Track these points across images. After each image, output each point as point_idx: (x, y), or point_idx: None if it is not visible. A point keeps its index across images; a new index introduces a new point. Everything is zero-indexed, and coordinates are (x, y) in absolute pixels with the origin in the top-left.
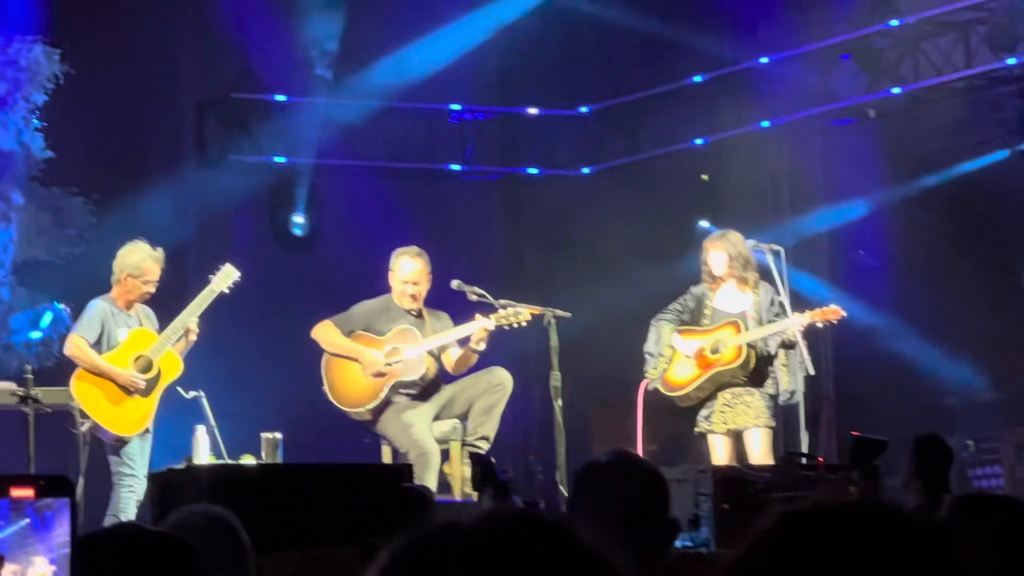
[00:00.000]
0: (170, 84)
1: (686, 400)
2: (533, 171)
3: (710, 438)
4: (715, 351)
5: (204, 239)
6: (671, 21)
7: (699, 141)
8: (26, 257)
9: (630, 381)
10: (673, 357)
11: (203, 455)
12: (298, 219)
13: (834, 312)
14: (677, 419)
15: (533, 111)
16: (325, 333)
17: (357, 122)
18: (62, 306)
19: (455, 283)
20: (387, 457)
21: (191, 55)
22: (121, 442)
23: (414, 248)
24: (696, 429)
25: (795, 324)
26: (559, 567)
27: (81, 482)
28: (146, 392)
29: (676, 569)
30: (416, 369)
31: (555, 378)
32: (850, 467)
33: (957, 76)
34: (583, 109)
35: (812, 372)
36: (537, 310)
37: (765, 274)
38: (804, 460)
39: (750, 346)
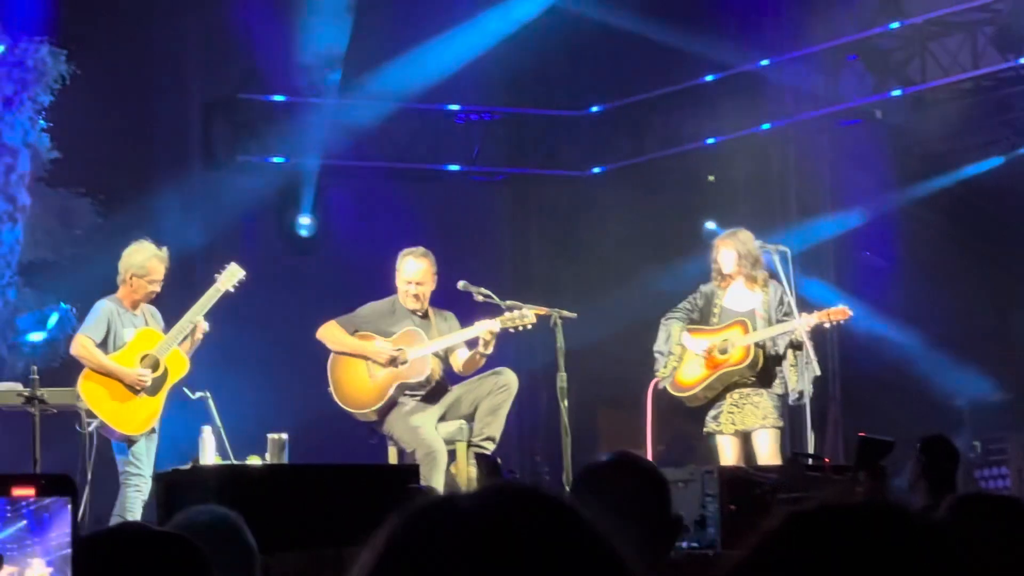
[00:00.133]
0: (177, 85)
1: (695, 400)
2: (539, 172)
3: (718, 439)
4: (723, 351)
5: (211, 240)
6: (677, 22)
7: (709, 141)
8: (32, 257)
9: (636, 382)
10: (683, 356)
11: (209, 456)
12: (305, 220)
13: (841, 312)
14: (685, 419)
15: (539, 112)
16: (330, 333)
17: (364, 123)
18: (68, 306)
19: (461, 284)
20: (393, 458)
21: (198, 56)
22: (129, 441)
23: (419, 249)
24: (704, 430)
25: (803, 324)
26: (557, 539)
27: (87, 482)
28: (153, 391)
29: (682, 570)
30: (422, 370)
31: (561, 379)
32: (856, 468)
33: (964, 77)
34: (594, 108)
35: (818, 373)
36: (543, 311)
37: (772, 275)
38: (810, 461)
39: (758, 346)
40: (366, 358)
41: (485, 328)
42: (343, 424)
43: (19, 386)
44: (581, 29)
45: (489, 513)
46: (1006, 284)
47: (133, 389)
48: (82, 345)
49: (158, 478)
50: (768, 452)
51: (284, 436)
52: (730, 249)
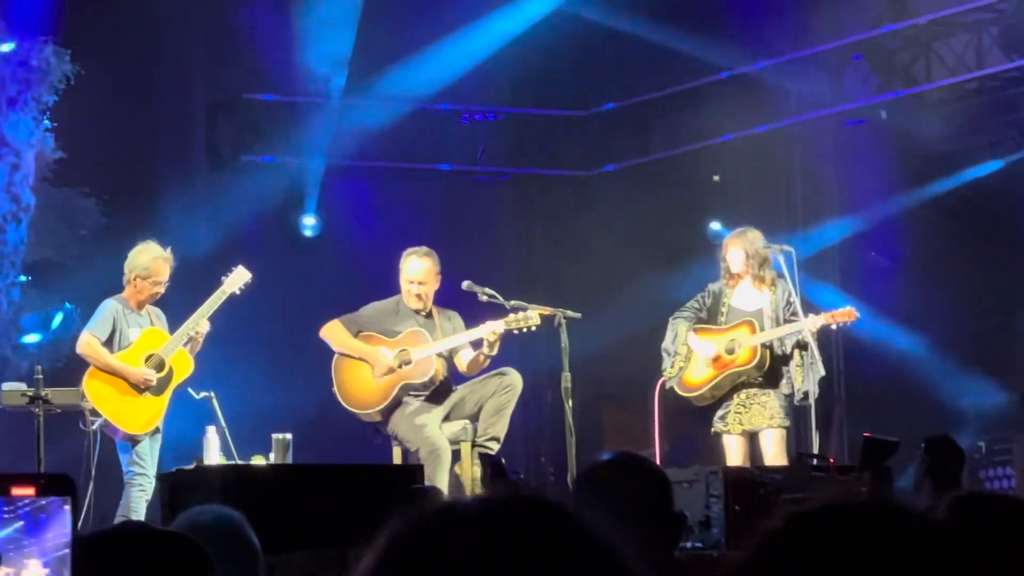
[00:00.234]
0: (181, 84)
1: (702, 400)
2: (543, 172)
3: (725, 439)
4: (730, 351)
5: (214, 239)
6: (681, 23)
7: (713, 141)
8: (37, 258)
9: (641, 381)
10: (689, 356)
11: (213, 456)
12: (309, 220)
13: (848, 314)
14: (689, 420)
15: (543, 112)
16: (333, 333)
17: (368, 123)
18: (72, 306)
19: (466, 284)
20: (397, 458)
21: (202, 56)
22: (132, 440)
23: (422, 248)
24: (712, 430)
25: (809, 325)
26: (557, 546)
27: (92, 480)
28: (158, 391)
29: (686, 570)
30: (426, 371)
31: (566, 379)
32: (861, 468)
33: (969, 77)
34: (598, 108)
35: (823, 373)
36: (548, 311)
37: (778, 275)
38: (815, 461)
39: (765, 346)
40: (367, 363)
41: (489, 329)
42: (347, 424)
43: (23, 386)
44: (585, 29)
45: (490, 519)
46: (1011, 284)
47: (138, 388)
48: (87, 343)
49: (162, 478)
50: (774, 452)
51: (288, 436)
52: (739, 249)
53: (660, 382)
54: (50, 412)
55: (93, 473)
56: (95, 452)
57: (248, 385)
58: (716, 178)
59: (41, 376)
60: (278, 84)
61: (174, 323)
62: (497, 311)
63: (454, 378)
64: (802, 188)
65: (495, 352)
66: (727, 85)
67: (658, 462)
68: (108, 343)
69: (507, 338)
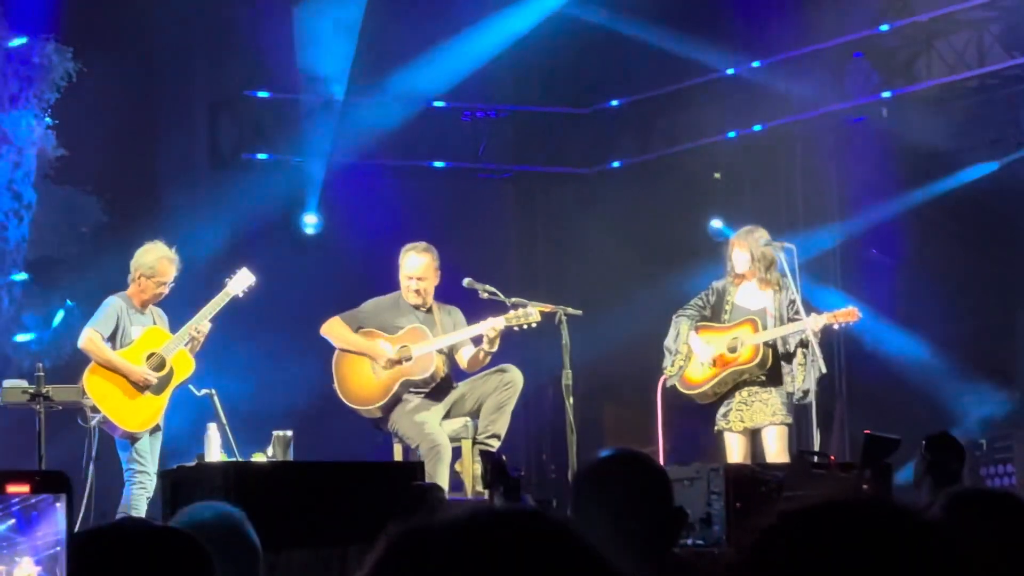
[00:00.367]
0: (183, 82)
1: (704, 397)
2: (545, 169)
3: (726, 436)
4: (733, 350)
5: (215, 238)
6: (682, 21)
7: (715, 139)
8: (38, 255)
9: (643, 379)
10: (690, 355)
11: (214, 453)
12: (310, 218)
13: (850, 313)
14: (692, 417)
15: (545, 109)
16: (334, 330)
17: (370, 121)
18: (73, 304)
19: (467, 281)
20: (398, 455)
21: (204, 53)
22: (131, 438)
23: (421, 244)
24: (715, 428)
25: (812, 324)
26: (552, 561)
27: (91, 477)
28: (158, 390)
29: (687, 567)
30: (426, 368)
31: (567, 376)
32: (862, 466)
33: (970, 75)
34: (600, 106)
35: (824, 371)
36: (549, 308)
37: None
38: (816, 459)
39: (767, 345)
40: (369, 357)
41: (489, 326)
42: (348, 421)
43: (24, 383)
44: (587, 26)
45: (485, 532)
46: (1012, 283)
47: (138, 387)
48: (90, 339)
49: (163, 475)
50: (776, 449)
51: (289, 433)
52: (744, 251)
53: (661, 380)
54: (51, 409)
55: (92, 470)
56: (94, 447)
57: (249, 382)
58: (717, 176)
59: (42, 373)
60: (280, 82)
61: (173, 319)
62: (498, 308)
63: (455, 375)
64: (803, 186)
65: (495, 348)
66: (728, 83)
67: (660, 459)
68: (110, 340)
69: (508, 335)
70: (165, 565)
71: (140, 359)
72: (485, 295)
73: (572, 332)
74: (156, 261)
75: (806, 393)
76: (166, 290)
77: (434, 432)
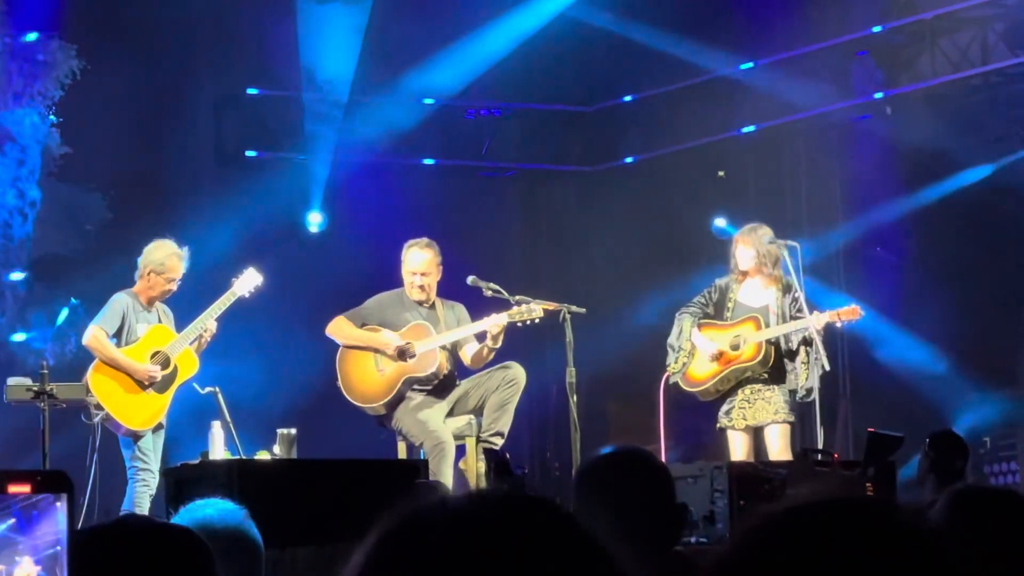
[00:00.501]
0: (187, 80)
1: (707, 395)
2: (549, 167)
3: (729, 434)
4: (735, 347)
5: (220, 236)
6: (686, 18)
7: (717, 138)
8: (42, 253)
9: (646, 376)
10: (693, 352)
11: (218, 450)
12: (314, 216)
13: (853, 311)
14: (696, 415)
15: (548, 107)
16: (338, 328)
17: (374, 119)
18: (77, 302)
19: (471, 279)
20: (402, 452)
21: (208, 51)
22: (134, 436)
23: (423, 239)
24: (717, 425)
25: (815, 322)
26: (548, 543)
27: (93, 474)
28: (162, 388)
29: (691, 564)
30: (430, 365)
31: (570, 374)
32: (866, 463)
33: (974, 72)
34: (614, 101)
35: (828, 368)
36: (552, 306)
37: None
38: (820, 456)
39: (770, 342)
40: (375, 350)
41: (493, 322)
42: (352, 419)
43: (28, 381)
44: (592, 25)
45: (480, 518)
46: (1018, 281)
47: (142, 385)
48: (95, 336)
49: (167, 473)
50: (779, 447)
51: (293, 431)
52: (749, 248)
53: (664, 377)
54: (55, 407)
55: (95, 467)
56: (96, 444)
57: (253, 380)
58: (721, 174)
59: (46, 371)
60: (284, 80)
61: (177, 317)
62: (502, 306)
63: (459, 372)
64: (807, 184)
65: (499, 345)
66: (732, 81)
67: (663, 457)
68: (116, 337)
69: (512, 333)
70: (167, 562)
71: (145, 357)
72: (489, 293)
73: (576, 330)
74: (166, 258)
75: (809, 391)
76: (175, 287)
77: (438, 430)
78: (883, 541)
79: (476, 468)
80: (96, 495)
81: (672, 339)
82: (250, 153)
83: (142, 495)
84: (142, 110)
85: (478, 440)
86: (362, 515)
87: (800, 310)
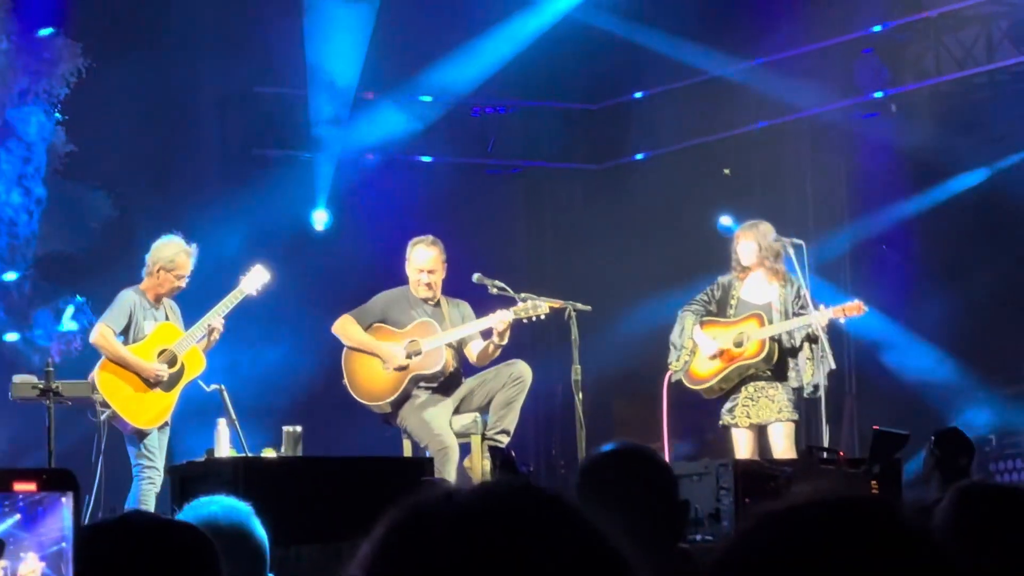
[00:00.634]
0: (193, 78)
1: (710, 392)
2: (554, 165)
3: (733, 432)
4: (739, 344)
5: (225, 234)
6: (693, 15)
7: (722, 135)
8: (48, 250)
9: (651, 374)
10: (695, 350)
11: (224, 448)
12: (320, 214)
13: (857, 307)
14: (699, 412)
15: (554, 105)
16: (344, 328)
17: (380, 117)
18: (83, 299)
19: (476, 276)
20: (408, 450)
21: (214, 49)
22: (140, 434)
23: (429, 237)
24: (720, 423)
25: (818, 318)
26: (554, 535)
27: (99, 471)
28: (168, 387)
29: (695, 562)
30: (436, 362)
31: (576, 371)
32: (871, 461)
33: (979, 70)
34: (619, 99)
35: (834, 366)
36: (558, 303)
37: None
38: (825, 454)
39: (773, 340)
40: (378, 358)
41: (498, 319)
42: (358, 417)
43: (34, 378)
44: (596, 23)
45: (486, 509)
46: (1022, 279)
47: (149, 383)
48: (102, 334)
49: (172, 470)
50: (783, 445)
51: (299, 428)
52: (750, 241)
53: (667, 375)
54: (61, 404)
55: (101, 465)
56: (103, 442)
57: (259, 378)
58: (727, 172)
59: (52, 369)
60: (290, 78)
61: (184, 316)
62: (507, 304)
63: (464, 369)
64: (812, 181)
65: (505, 341)
66: (738, 79)
67: (666, 454)
68: (123, 334)
69: (517, 331)
70: (172, 558)
71: (152, 355)
72: (494, 290)
73: (581, 327)
74: (175, 255)
75: (816, 388)
76: (184, 284)
77: (442, 433)
78: (882, 540)
79: (481, 466)
80: (102, 493)
81: (674, 337)
82: (256, 151)
83: (147, 493)
84: (148, 108)
85: (483, 438)
86: (368, 513)
87: (804, 307)
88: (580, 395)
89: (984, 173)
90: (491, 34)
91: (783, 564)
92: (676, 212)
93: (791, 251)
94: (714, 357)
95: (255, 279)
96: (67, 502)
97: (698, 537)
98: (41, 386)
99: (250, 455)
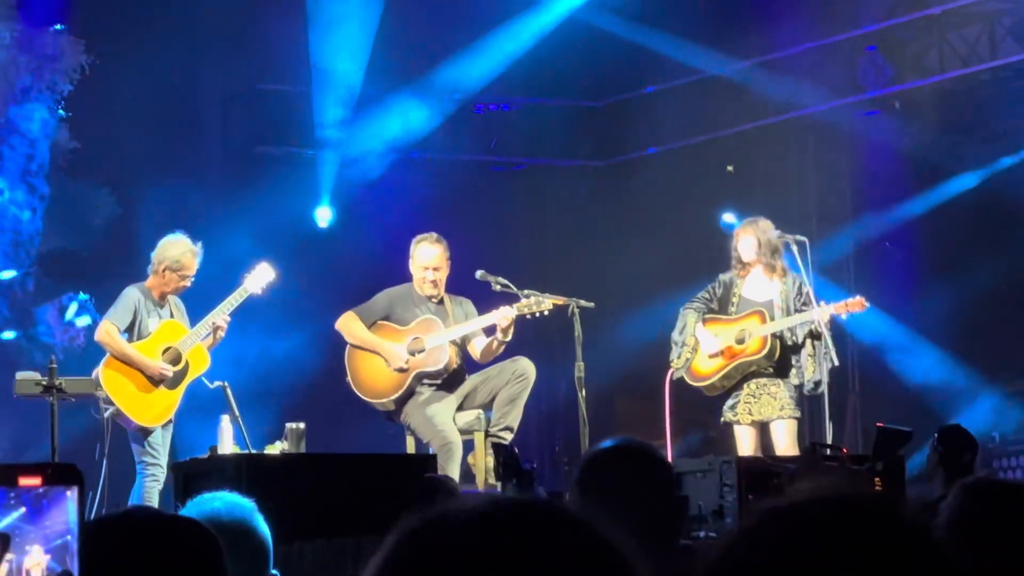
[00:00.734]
0: (196, 76)
1: (712, 389)
2: (557, 162)
3: (735, 429)
4: (741, 341)
5: (228, 231)
6: (696, 12)
7: (725, 132)
8: (51, 247)
9: (655, 371)
10: (696, 347)
11: (227, 445)
12: (323, 211)
13: (858, 303)
14: (703, 410)
15: (557, 102)
16: (348, 325)
17: (383, 115)
18: (86, 296)
19: (479, 273)
20: (411, 447)
21: (217, 46)
22: (144, 432)
23: (433, 234)
24: (722, 420)
25: (820, 315)
26: (564, 550)
27: (104, 468)
28: (173, 384)
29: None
30: (439, 359)
31: (579, 368)
32: (874, 458)
33: (983, 67)
34: (622, 96)
35: (837, 363)
36: (561, 300)
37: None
38: (828, 451)
39: (775, 336)
40: (381, 355)
41: (501, 315)
42: (361, 414)
43: (37, 375)
44: (600, 23)
45: (497, 521)
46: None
47: (153, 381)
48: (106, 332)
49: (176, 467)
50: (786, 442)
51: (302, 425)
52: (750, 236)
53: (669, 372)
54: (64, 401)
55: (105, 461)
56: (107, 439)
57: (262, 374)
58: (730, 169)
59: (55, 365)
60: (293, 76)
61: (188, 313)
62: (510, 301)
63: (468, 366)
64: (815, 178)
65: (509, 338)
66: (741, 76)
67: (668, 452)
68: (127, 332)
69: (521, 327)
70: (175, 554)
71: (156, 353)
72: (498, 287)
73: (585, 324)
74: (182, 255)
75: (817, 384)
76: (189, 283)
77: (445, 429)
78: (882, 538)
79: (485, 463)
80: (106, 490)
81: (675, 334)
82: (259, 148)
83: (151, 490)
84: (151, 105)
85: (487, 435)
86: (371, 510)
87: (806, 303)
88: (583, 392)
89: (988, 171)
90: (495, 32)
91: (784, 561)
92: (679, 209)
93: (794, 248)
94: (716, 354)
95: (259, 277)
96: (72, 496)
97: (702, 534)
98: (44, 383)
99: (253, 452)
